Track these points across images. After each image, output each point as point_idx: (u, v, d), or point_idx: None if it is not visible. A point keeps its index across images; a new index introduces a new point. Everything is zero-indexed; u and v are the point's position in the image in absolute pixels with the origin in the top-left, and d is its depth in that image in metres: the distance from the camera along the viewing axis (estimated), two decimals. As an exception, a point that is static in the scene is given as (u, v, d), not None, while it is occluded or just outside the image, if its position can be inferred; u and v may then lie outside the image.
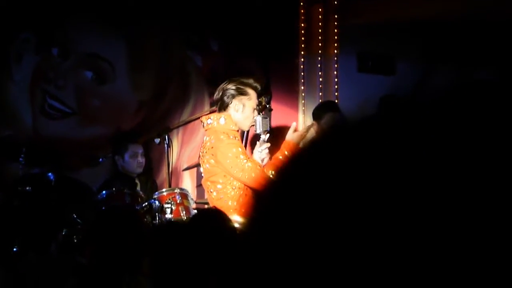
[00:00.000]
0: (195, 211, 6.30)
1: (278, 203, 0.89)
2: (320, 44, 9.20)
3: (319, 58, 9.21)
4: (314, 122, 6.83)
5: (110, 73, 8.25)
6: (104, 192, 6.47)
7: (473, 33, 9.08)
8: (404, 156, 0.83)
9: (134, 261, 3.87)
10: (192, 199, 6.60)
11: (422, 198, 0.80)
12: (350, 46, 9.33)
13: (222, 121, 5.55)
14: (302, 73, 9.14)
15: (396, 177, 0.82)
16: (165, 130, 7.28)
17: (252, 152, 5.80)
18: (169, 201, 6.18)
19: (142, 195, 6.66)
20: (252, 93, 5.65)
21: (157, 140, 7.14)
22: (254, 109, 5.67)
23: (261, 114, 5.79)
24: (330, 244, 0.82)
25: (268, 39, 8.84)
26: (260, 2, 8.81)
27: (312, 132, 5.87)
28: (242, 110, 5.60)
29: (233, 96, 5.60)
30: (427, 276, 0.78)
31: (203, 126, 5.69)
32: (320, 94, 9.09)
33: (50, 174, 6.44)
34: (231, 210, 5.31)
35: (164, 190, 6.56)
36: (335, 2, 9.20)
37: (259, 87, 5.70)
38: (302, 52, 9.17)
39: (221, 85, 5.71)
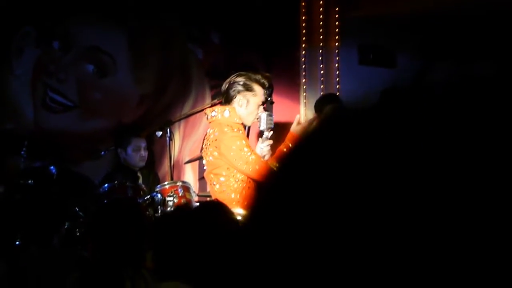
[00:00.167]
0: (197, 204, 6.29)
1: (278, 194, 0.89)
2: (321, 37, 9.20)
3: (320, 51, 9.21)
4: (316, 114, 6.83)
5: (111, 66, 8.25)
6: (106, 185, 6.46)
7: (473, 26, 9.07)
8: (402, 147, 0.83)
9: (136, 255, 3.87)
10: (194, 192, 6.59)
11: (420, 187, 0.80)
12: (351, 39, 9.33)
13: (226, 113, 5.55)
14: (303, 66, 9.14)
15: (394, 168, 0.81)
16: (167, 123, 7.27)
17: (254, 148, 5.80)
18: (171, 194, 6.17)
19: (144, 188, 6.65)
20: (258, 89, 5.64)
21: (159, 133, 7.13)
22: (259, 105, 5.67)
23: (266, 111, 5.78)
24: (330, 235, 0.81)
25: (269, 32, 8.83)
26: (261, -6, 8.81)
27: (314, 126, 5.85)
28: (246, 105, 5.60)
29: (238, 91, 5.60)
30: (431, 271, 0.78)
31: (207, 118, 5.69)
32: (322, 86, 9.09)
33: (52, 167, 6.43)
34: (234, 203, 5.31)
35: (166, 183, 6.55)
36: (336, -5, 9.21)
37: (266, 83, 5.69)
38: (303, 45, 9.16)
39: (230, 77, 5.70)
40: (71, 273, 3.98)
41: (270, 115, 5.73)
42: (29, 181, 6.23)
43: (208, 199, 6.35)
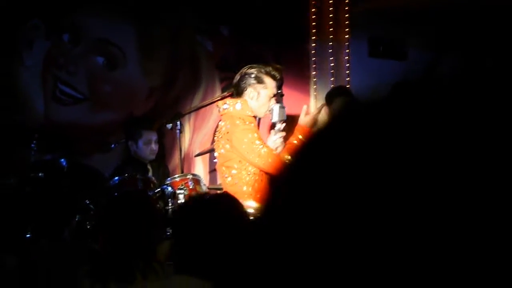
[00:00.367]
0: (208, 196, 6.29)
1: (292, 189, 0.89)
2: (331, 29, 9.19)
3: (330, 43, 9.20)
4: (324, 104, 6.84)
5: (121, 58, 8.24)
6: (116, 178, 6.46)
7: (485, 19, 9.04)
8: (414, 142, 0.83)
9: (147, 247, 3.87)
10: (204, 184, 6.60)
11: (431, 183, 0.80)
12: (361, 31, 9.32)
13: (238, 106, 5.56)
14: (313, 59, 9.14)
15: (406, 162, 0.81)
16: (177, 115, 7.28)
17: (266, 140, 5.80)
18: (182, 187, 6.17)
19: (155, 181, 6.65)
20: (269, 81, 5.64)
21: (169, 126, 7.14)
22: (271, 97, 5.67)
23: (279, 103, 5.78)
24: (344, 230, 0.81)
25: (279, 24, 8.82)
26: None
27: (323, 114, 5.87)
28: (257, 98, 5.61)
29: (249, 83, 5.61)
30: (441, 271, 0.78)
31: (219, 111, 5.69)
32: (332, 79, 9.08)
33: (62, 160, 6.44)
34: (245, 196, 5.32)
35: (176, 176, 6.56)
36: (346, -13, 9.19)
37: (277, 76, 5.69)
38: (313, 37, 9.15)
39: (242, 69, 5.71)
40: (82, 266, 3.98)
41: (282, 107, 5.73)
42: (40, 174, 6.23)
43: (218, 192, 6.35)
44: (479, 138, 0.81)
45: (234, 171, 5.50)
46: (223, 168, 5.59)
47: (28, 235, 5.90)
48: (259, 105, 5.62)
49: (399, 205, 0.79)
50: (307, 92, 9.07)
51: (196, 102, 8.47)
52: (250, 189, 5.45)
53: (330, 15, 9.16)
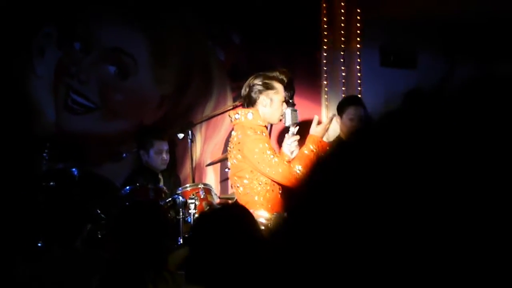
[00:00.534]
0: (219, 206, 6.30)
1: (313, 204, 0.89)
2: (342, 38, 9.18)
3: (342, 53, 9.19)
4: (335, 114, 6.84)
5: (133, 67, 8.25)
6: (128, 187, 6.47)
7: (495, 28, 9.02)
8: (433, 158, 0.83)
9: (158, 257, 3.87)
10: (216, 194, 6.61)
11: (446, 191, 0.80)
12: (372, 40, 9.30)
13: (250, 116, 5.56)
14: (325, 68, 9.12)
15: (426, 180, 0.82)
16: (188, 125, 7.29)
17: (279, 145, 5.81)
18: (193, 197, 6.17)
19: (166, 191, 6.65)
20: (278, 86, 5.66)
21: (181, 135, 7.15)
22: (283, 102, 5.68)
23: (291, 107, 5.79)
24: (361, 244, 0.82)
25: (290, 34, 8.83)
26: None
27: (334, 124, 5.87)
28: (270, 104, 5.62)
29: (260, 92, 5.62)
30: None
31: (231, 121, 5.70)
32: (343, 88, 9.07)
33: (74, 169, 6.45)
34: (257, 205, 5.33)
35: (187, 185, 6.56)
36: (358, -4, 9.19)
37: (285, 79, 5.71)
38: (325, 47, 9.15)
39: (247, 80, 5.72)
40: (94, 274, 3.99)
41: (294, 110, 5.75)
42: (51, 183, 6.25)
43: (230, 201, 6.35)
44: (491, 149, 0.82)
45: (245, 181, 5.51)
46: (235, 178, 5.59)
47: (40, 244, 5.92)
48: (273, 111, 5.63)
49: (418, 217, 0.80)
50: (318, 101, 9.06)
51: (207, 111, 8.47)
52: (261, 199, 5.45)
53: (342, 24, 9.15)
